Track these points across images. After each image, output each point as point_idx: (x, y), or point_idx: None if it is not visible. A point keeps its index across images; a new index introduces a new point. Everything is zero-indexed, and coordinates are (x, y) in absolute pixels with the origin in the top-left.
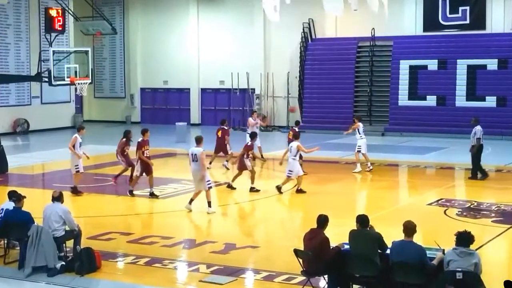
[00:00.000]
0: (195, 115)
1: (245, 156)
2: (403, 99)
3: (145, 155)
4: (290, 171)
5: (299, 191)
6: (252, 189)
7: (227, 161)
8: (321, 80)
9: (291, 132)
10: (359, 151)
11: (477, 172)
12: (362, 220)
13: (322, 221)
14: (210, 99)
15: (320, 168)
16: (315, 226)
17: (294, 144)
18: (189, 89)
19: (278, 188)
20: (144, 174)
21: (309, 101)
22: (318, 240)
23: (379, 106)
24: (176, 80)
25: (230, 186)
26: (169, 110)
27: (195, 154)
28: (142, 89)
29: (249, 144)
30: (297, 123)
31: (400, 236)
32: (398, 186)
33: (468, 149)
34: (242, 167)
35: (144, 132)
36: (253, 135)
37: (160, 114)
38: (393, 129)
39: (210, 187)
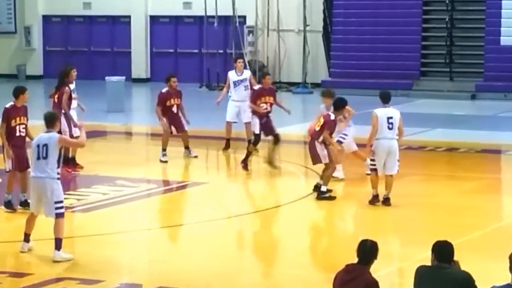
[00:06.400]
0: (140, 63)
1: (320, 139)
2: (508, 36)
3: (17, 133)
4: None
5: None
6: (319, 191)
7: None
8: (362, 2)
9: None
10: (340, 142)
11: None
12: (444, 250)
13: (367, 251)
14: (166, 36)
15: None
16: (354, 259)
17: (397, 114)
18: (129, 17)
19: (387, 199)
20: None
21: (341, 40)
22: (361, 285)
23: (467, 48)
24: (106, 2)
25: (321, 190)
26: (95, 55)
27: (45, 145)
28: (46, 18)
29: (331, 117)
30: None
31: (504, 276)
32: (499, 189)
33: None
34: (316, 159)
35: (18, 92)
36: (340, 103)
37: (80, 62)
38: (490, 87)
39: (61, 214)
